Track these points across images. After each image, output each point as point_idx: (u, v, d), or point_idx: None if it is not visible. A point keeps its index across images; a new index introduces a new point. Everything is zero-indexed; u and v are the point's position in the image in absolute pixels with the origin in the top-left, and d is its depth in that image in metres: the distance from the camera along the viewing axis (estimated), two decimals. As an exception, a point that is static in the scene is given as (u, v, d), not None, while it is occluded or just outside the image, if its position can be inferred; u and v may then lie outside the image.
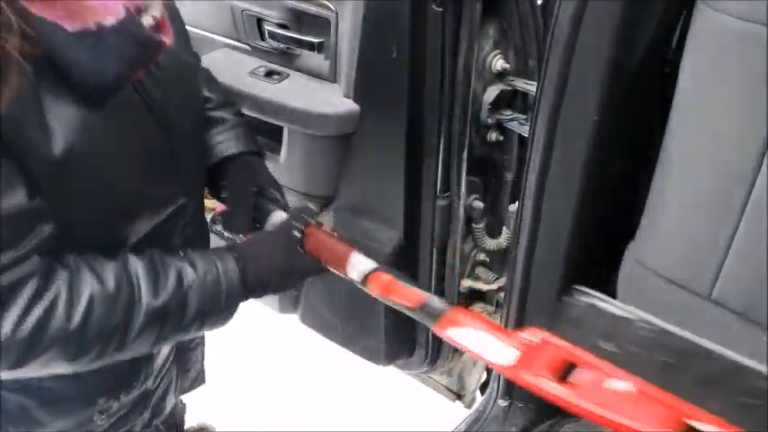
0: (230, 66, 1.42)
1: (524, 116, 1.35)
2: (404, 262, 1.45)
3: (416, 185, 1.40)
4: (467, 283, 1.55)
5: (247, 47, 1.46)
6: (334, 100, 1.35)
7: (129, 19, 0.72)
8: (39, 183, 0.68)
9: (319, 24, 1.32)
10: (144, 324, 0.76)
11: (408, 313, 0.92)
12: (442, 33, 1.21)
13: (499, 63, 1.32)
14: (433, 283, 1.53)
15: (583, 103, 1.02)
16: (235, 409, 1.91)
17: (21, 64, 0.61)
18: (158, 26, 0.78)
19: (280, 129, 1.46)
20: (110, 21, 0.69)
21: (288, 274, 0.91)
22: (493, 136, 1.39)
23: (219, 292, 0.82)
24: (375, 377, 1.92)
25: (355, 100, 1.33)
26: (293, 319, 1.76)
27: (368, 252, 1.00)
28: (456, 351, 1.67)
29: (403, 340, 1.60)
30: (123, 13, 0.71)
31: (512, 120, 1.36)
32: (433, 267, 1.51)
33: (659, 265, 1.11)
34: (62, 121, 0.67)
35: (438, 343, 1.62)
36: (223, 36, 1.49)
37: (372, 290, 0.94)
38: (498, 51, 1.32)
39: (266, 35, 1.40)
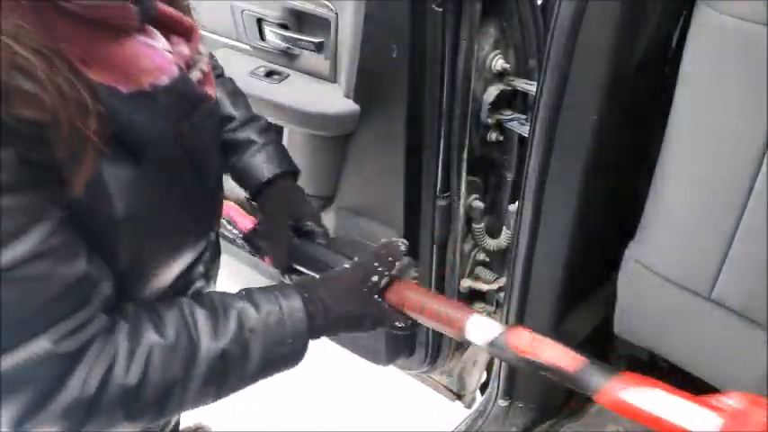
0: (230, 66, 1.42)
1: (524, 116, 1.35)
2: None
3: (416, 185, 1.40)
4: (467, 283, 1.56)
5: (247, 47, 1.46)
6: (335, 100, 1.35)
7: (181, 77, 0.71)
8: (97, 244, 0.67)
9: (319, 24, 1.32)
10: (205, 371, 0.72)
11: (557, 376, 0.75)
12: (442, 33, 1.21)
13: (499, 63, 1.32)
14: (433, 283, 1.53)
15: (583, 103, 1.02)
16: (232, 409, 1.90)
17: (98, 147, 0.60)
18: (205, 79, 0.78)
19: (280, 129, 1.46)
20: (163, 81, 0.69)
21: (357, 320, 0.83)
22: (493, 136, 1.39)
23: (284, 334, 0.77)
24: (375, 377, 1.92)
25: (355, 100, 1.33)
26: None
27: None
28: (456, 350, 1.67)
29: (403, 340, 1.60)
30: (176, 72, 0.71)
31: (512, 120, 1.36)
32: (433, 267, 1.51)
33: (659, 265, 1.11)
34: (119, 185, 0.66)
35: (438, 342, 1.62)
36: (223, 36, 1.49)
37: (505, 356, 0.80)
38: (498, 51, 1.32)
39: (266, 35, 1.40)
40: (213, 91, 0.79)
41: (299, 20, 1.36)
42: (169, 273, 0.80)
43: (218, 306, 0.76)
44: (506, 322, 1.34)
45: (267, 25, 1.39)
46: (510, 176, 1.46)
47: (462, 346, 1.68)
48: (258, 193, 1.02)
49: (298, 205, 1.03)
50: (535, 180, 1.13)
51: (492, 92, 1.34)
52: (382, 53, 1.24)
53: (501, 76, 1.34)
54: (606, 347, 1.46)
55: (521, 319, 1.31)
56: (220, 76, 1.08)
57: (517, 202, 1.21)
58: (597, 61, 0.99)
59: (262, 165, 1.01)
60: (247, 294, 0.79)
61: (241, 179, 1.02)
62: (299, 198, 1.04)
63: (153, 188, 0.71)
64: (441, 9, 1.18)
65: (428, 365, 1.66)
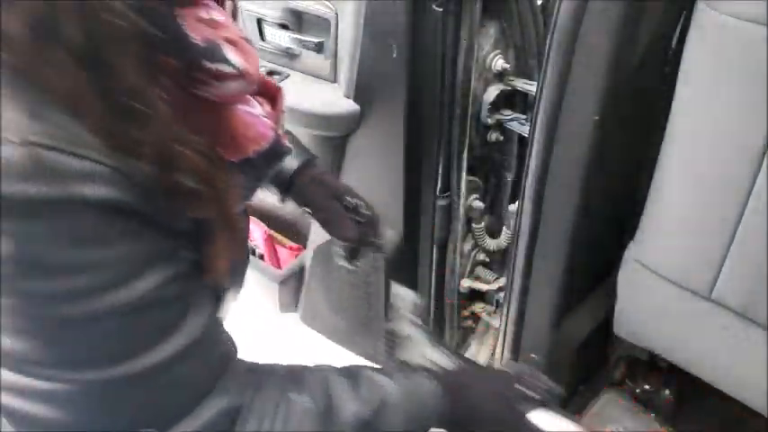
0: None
1: (524, 116, 1.35)
2: (404, 262, 1.45)
3: (416, 185, 1.40)
4: (467, 283, 1.56)
5: (247, 47, 1.46)
6: (335, 100, 1.35)
7: (276, 140, 0.72)
8: None
9: (319, 24, 1.32)
10: None
11: None
12: (442, 33, 1.21)
13: (499, 63, 1.32)
14: (433, 283, 1.53)
15: (583, 103, 1.02)
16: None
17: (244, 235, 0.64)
18: (284, 134, 0.79)
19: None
20: (264, 146, 0.69)
21: (495, 422, 0.80)
22: (493, 136, 1.39)
23: (422, 414, 0.75)
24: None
25: (355, 100, 1.33)
26: (293, 318, 1.76)
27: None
28: (456, 351, 1.67)
29: (403, 340, 1.60)
30: (274, 136, 0.71)
31: (512, 120, 1.36)
32: (433, 267, 1.51)
33: (659, 265, 1.11)
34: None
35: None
36: (223, 36, 1.49)
37: None
38: (498, 51, 1.32)
39: (266, 35, 1.40)
40: (288, 141, 0.80)
41: (299, 20, 1.36)
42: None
43: (359, 377, 0.74)
44: (506, 322, 1.35)
45: (267, 25, 1.39)
46: (510, 176, 1.46)
47: (462, 345, 1.68)
48: (288, 188, 1.01)
49: (335, 184, 1.03)
50: (535, 180, 1.13)
51: (492, 92, 1.34)
52: (382, 53, 1.24)
53: (501, 76, 1.34)
54: (606, 347, 1.46)
55: (521, 320, 1.31)
56: None
57: (517, 202, 1.21)
58: (597, 61, 0.99)
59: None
60: (388, 372, 0.77)
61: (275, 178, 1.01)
62: (332, 177, 1.04)
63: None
64: (441, 9, 1.18)
65: (428, 365, 1.66)
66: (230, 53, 0.59)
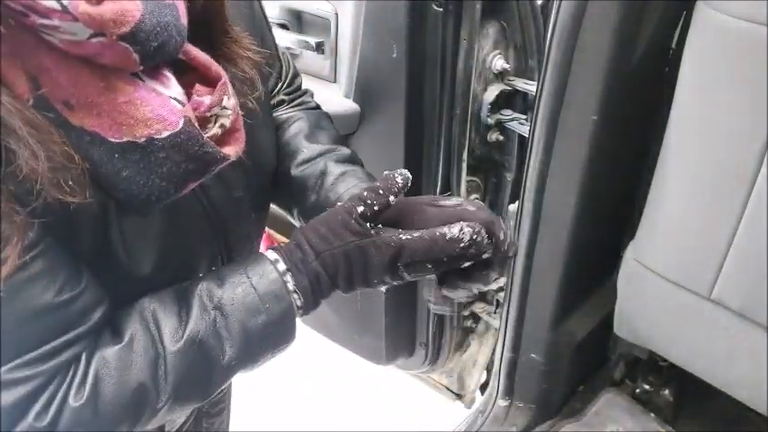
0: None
1: (524, 116, 1.35)
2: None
3: (416, 185, 1.40)
4: (467, 283, 1.55)
5: (247, 47, 1.46)
6: (335, 100, 1.35)
7: (185, 132, 0.61)
8: (106, 283, 0.66)
9: (319, 24, 1.32)
10: (177, 366, 0.65)
11: None
12: (442, 33, 1.21)
13: (499, 63, 1.32)
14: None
15: (583, 103, 1.03)
16: (232, 409, 1.91)
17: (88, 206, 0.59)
18: (226, 136, 0.68)
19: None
20: (163, 134, 0.60)
21: (357, 255, 0.68)
22: (493, 136, 1.39)
23: (256, 300, 0.67)
24: (375, 377, 1.92)
25: (355, 100, 1.33)
26: (293, 318, 1.76)
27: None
28: (456, 351, 1.68)
29: (403, 340, 1.60)
30: (181, 124, 0.60)
31: (512, 120, 1.36)
32: (433, 267, 1.50)
33: (659, 265, 1.11)
34: (125, 234, 0.65)
35: (438, 343, 1.62)
36: (223, 36, 1.49)
37: None
38: (498, 51, 1.32)
39: (266, 35, 1.40)
40: (237, 149, 0.69)
41: (299, 20, 1.36)
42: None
43: (179, 293, 0.69)
44: (506, 322, 1.35)
45: (267, 25, 1.39)
46: (510, 176, 1.46)
47: (462, 346, 1.68)
48: None
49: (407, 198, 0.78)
50: (535, 180, 1.13)
51: (492, 92, 1.34)
52: (382, 53, 1.24)
53: (501, 76, 1.34)
54: (606, 347, 1.46)
55: (521, 319, 1.31)
56: (308, 109, 0.97)
57: (517, 202, 1.21)
58: (597, 61, 0.99)
59: (346, 192, 0.83)
60: (213, 272, 0.71)
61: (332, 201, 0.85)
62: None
63: (161, 237, 0.68)
64: (441, 9, 1.18)
65: (428, 366, 1.66)
66: None
